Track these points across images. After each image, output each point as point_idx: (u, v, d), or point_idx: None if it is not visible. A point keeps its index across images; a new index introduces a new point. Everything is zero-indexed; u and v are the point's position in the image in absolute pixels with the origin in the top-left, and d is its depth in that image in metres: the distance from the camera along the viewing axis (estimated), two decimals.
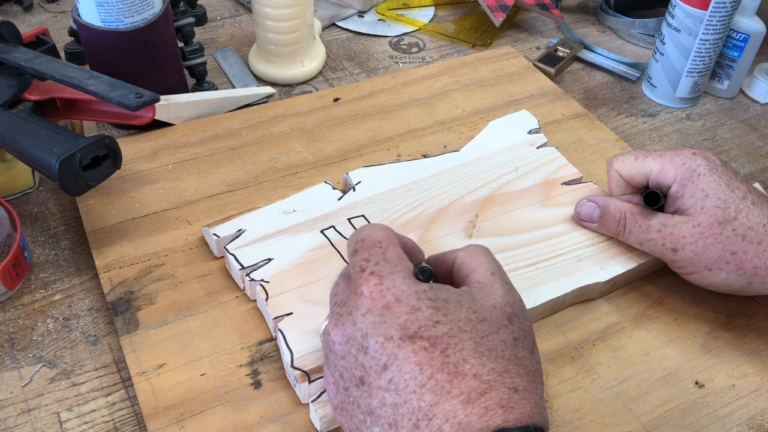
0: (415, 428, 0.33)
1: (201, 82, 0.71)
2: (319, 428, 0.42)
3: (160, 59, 0.64)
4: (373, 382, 0.35)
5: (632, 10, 0.89)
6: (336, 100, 0.68)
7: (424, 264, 0.41)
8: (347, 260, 0.41)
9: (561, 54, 0.79)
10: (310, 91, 0.73)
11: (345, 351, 0.36)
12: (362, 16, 0.86)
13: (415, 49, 0.81)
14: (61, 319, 0.50)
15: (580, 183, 0.59)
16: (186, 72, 0.70)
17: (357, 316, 0.36)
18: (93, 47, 0.62)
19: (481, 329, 0.36)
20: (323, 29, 0.83)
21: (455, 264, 0.41)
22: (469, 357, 0.34)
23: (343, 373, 0.36)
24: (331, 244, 0.52)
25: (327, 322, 0.39)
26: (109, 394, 0.45)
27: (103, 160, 0.51)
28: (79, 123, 0.62)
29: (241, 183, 0.59)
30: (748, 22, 0.72)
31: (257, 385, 0.45)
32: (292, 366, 0.43)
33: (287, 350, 0.44)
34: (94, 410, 0.44)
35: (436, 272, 0.41)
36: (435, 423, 0.33)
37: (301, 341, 0.45)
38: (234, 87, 0.73)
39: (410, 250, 0.42)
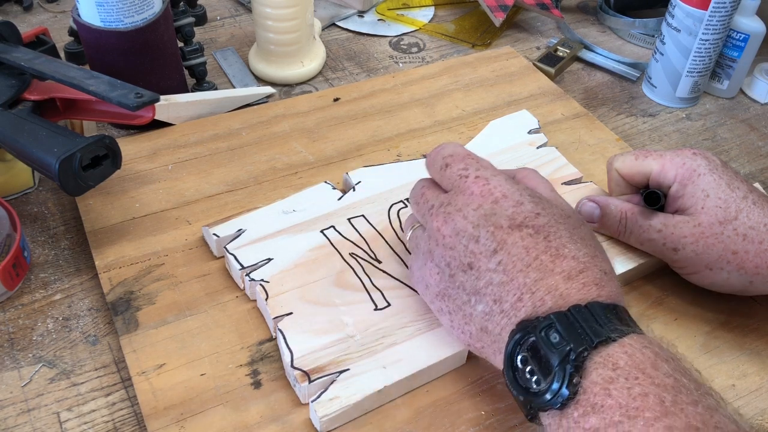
0: (518, 301, 0.38)
1: (201, 82, 0.71)
2: (319, 428, 0.42)
3: (160, 59, 0.64)
4: (482, 266, 0.40)
5: (632, 10, 0.89)
6: (336, 100, 0.68)
7: None
8: (432, 175, 0.46)
9: (561, 54, 0.79)
10: (310, 91, 0.73)
11: (455, 242, 0.41)
12: (362, 16, 0.86)
13: (415, 49, 0.81)
14: (61, 319, 0.50)
15: (580, 183, 0.59)
16: (186, 72, 0.70)
17: (468, 212, 0.41)
18: (93, 47, 0.62)
19: (571, 223, 0.41)
20: (323, 29, 0.83)
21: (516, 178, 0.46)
22: (566, 243, 0.40)
23: (450, 262, 0.41)
24: (331, 244, 0.52)
25: (412, 229, 0.46)
26: (109, 394, 0.45)
27: (103, 160, 0.51)
28: (79, 123, 0.62)
29: (241, 183, 0.59)
30: (748, 22, 0.72)
31: (257, 385, 0.45)
32: (292, 366, 0.43)
33: (287, 350, 0.44)
34: (94, 410, 0.44)
35: None
36: (538, 295, 0.38)
37: (301, 341, 0.45)
38: (234, 87, 0.73)
39: None
